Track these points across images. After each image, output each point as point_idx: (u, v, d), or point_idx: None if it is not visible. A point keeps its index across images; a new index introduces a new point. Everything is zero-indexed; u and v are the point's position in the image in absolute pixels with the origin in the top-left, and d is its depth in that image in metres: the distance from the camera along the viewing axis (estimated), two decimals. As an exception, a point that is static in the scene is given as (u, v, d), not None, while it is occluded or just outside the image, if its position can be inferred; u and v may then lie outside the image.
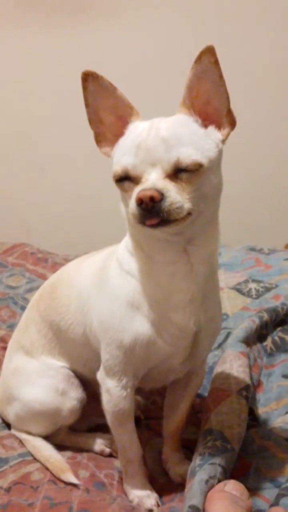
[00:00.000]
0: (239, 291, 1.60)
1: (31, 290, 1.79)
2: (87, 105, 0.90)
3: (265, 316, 1.34)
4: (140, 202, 0.79)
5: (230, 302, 1.56)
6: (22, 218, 2.59)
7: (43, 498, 0.98)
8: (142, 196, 0.78)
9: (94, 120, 0.91)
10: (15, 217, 2.59)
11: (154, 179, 0.80)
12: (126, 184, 0.84)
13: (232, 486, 0.84)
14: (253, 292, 1.56)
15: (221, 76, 0.83)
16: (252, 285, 1.60)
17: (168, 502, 1.03)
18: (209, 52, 0.81)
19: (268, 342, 1.33)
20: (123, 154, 0.85)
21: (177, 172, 0.81)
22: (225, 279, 1.67)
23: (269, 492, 0.91)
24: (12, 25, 2.31)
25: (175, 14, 2.22)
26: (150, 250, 0.91)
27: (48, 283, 1.23)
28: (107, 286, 0.99)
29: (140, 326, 0.94)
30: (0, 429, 1.22)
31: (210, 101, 0.85)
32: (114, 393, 0.99)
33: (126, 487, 1.05)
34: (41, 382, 1.15)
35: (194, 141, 0.83)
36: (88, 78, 0.87)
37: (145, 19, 2.25)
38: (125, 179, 0.84)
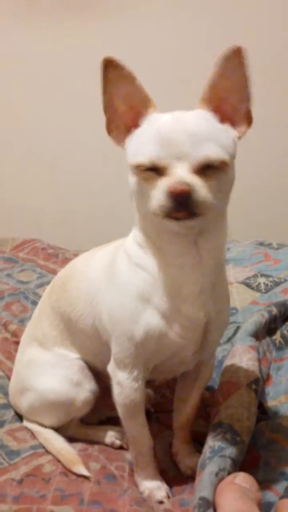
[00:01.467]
0: (248, 285, 1.60)
1: (42, 285, 1.81)
2: (104, 92, 0.89)
3: (274, 310, 1.34)
4: (172, 194, 0.80)
5: (239, 297, 1.57)
6: (32, 213, 2.60)
7: (54, 490, 0.99)
8: (174, 189, 0.79)
9: (108, 108, 0.91)
10: (26, 213, 2.60)
11: (182, 173, 0.81)
12: (150, 174, 0.84)
13: (242, 479, 0.84)
14: (262, 287, 1.57)
15: (248, 78, 0.84)
16: (261, 280, 1.60)
17: (179, 494, 1.05)
18: (238, 52, 0.82)
19: (277, 336, 1.33)
20: (146, 145, 0.84)
21: (203, 168, 0.82)
22: (234, 273, 1.67)
23: (278, 484, 0.92)
24: (19, 21, 2.32)
25: (183, 11, 2.22)
26: (160, 242, 0.92)
27: (59, 276, 1.25)
28: (116, 279, 1.00)
29: (151, 318, 0.95)
30: (12, 422, 1.23)
31: (228, 99, 0.86)
32: (125, 385, 1.00)
33: (137, 479, 1.06)
34: (55, 372, 1.16)
35: (217, 137, 0.84)
36: (109, 65, 0.86)
37: (150, 16, 2.25)
38: (148, 169, 0.84)
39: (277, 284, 1.57)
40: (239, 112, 0.87)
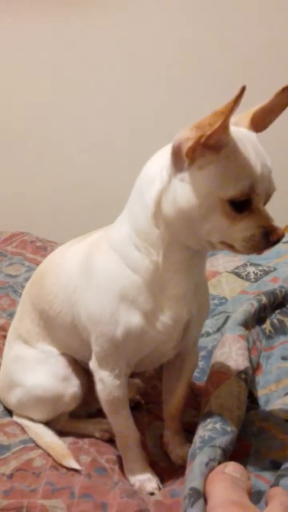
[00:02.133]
0: (237, 275, 1.60)
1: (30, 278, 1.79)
2: (230, 114, 0.75)
3: (264, 299, 1.34)
4: (274, 238, 0.82)
5: (228, 286, 1.56)
6: (21, 206, 2.59)
7: (45, 484, 0.99)
8: (281, 235, 0.82)
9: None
10: (15, 206, 2.58)
11: (267, 212, 0.82)
12: (244, 212, 0.82)
13: (232, 468, 0.84)
14: (252, 276, 1.56)
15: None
16: (251, 269, 1.60)
17: (170, 485, 1.04)
18: None
19: (267, 325, 1.33)
20: (245, 179, 0.79)
21: None
22: (224, 263, 1.67)
23: (269, 473, 0.92)
24: (6, 14, 2.30)
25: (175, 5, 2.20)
26: (172, 255, 0.91)
27: (38, 270, 1.23)
28: (94, 279, 0.99)
29: (133, 319, 0.94)
30: (2, 416, 1.23)
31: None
32: (107, 382, 1.00)
33: (126, 471, 1.06)
34: (42, 368, 1.15)
35: None
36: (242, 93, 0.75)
37: (143, 12, 2.24)
38: (243, 208, 0.81)
39: (266, 273, 1.57)
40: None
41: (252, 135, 0.85)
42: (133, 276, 0.93)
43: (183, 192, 0.83)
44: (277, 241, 0.82)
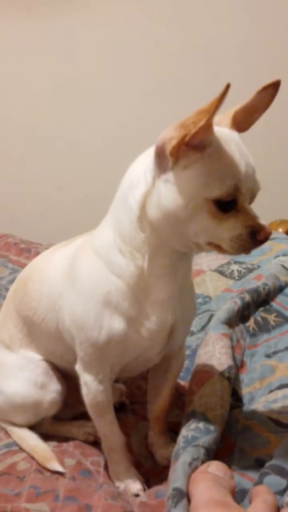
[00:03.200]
0: (221, 273, 1.60)
1: (14, 281, 1.78)
2: (214, 113, 0.75)
3: (247, 297, 1.34)
4: (261, 237, 0.81)
5: (212, 284, 1.56)
6: (5, 208, 2.57)
7: (29, 488, 0.98)
8: (266, 235, 0.82)
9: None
10: (-2, 206, 2.57)
11: (253, 211, 0.82)
12: (230, 212, 0.81)
13: (215, 467, 0.84)
14: (235, 274, 1.56)
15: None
16: (234, 267, 1.60)
17: (155, 486, 1.04)
18: (277, 85, 0.82)
19: (251, 323, 1.33)
20: (228, 179, 0.79)
21: None
22: (207, 261, 1.67)
23: (253, 471, 0.91)
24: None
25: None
26: (154, 257, 0.90)
27: (21, 276, 1.22)
28: (78, 284, 0.98)
29: (116, 324, 0.93)
30: (-15, 421, 1.22)
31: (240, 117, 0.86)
32: (91, 387, 1.00)
33: (111, 473, 1.05)
34: (21, 375, 1.15)
35: None
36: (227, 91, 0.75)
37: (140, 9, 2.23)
38: (229, 207, 0.81)
39: (250, 270, 1.57)
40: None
41: (235, 134, 0.85)
42: (117, 282, 0.92)
43: (168, 194, 0.82)
44: (265, 239, 0.82)
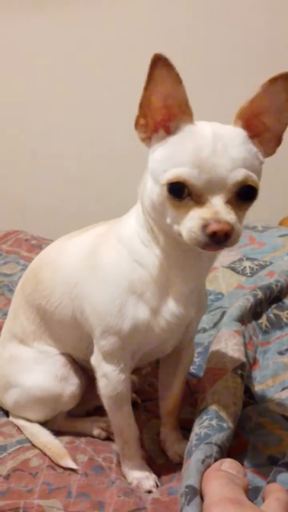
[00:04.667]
0: (233, 269, 1.59)
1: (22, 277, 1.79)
2: (145, 88, 0.82)
3: (260, 294, 1.34)
4: (213, 234, 0.77)
5: (225, 281, 1.56)
6: (16, 203, 2.58)
7: (42, 484, 0.98)
8: (218, 230, 0.76)
9: (144, 105, 0.84)
10: (9, 203, 2.57)
11: (220, 205, 0.78)
12: (183, 200, 0.80)
13: (229, 465, 0.84)
14: (248, 270, 1.56)
15: None
16: (247, 263, 1.59)
17: (167, 483, 1.04)
18: (286, 78, 0.78)
19: (263, 320, 1.32)
20: (183, 164, 0.79)
21: (237, 199, 0.79)
22: (220, 258, 1.66)
23: (266, 469, 0.91)
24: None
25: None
26: (168, 248, 0.90)
27: (31, 267, 1.21)
28: (101, 273, 0.98)
29: (141, 313, 0.94)
30: (-2, 417, 1.22)
31: (262, 117, 0.83)
32: (112, 377, 1.00)
33: (124, 470, 1.05)
34: (40, 369, 1.14)
35: (252, 163, 0.81)
36: (158, 63, 0.79)
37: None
38: (181, 195, 0.80)
39: (262, 267, 1.56)
40: (271, 132, 0.84)
41: (225, 130, 0.82)
42: (140, 271, 0.93)
43: (148, 181, 0.86)
44: (216, 235, 0.77)
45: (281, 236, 1.70)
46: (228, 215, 0.78)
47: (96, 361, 1.02)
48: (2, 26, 2.32)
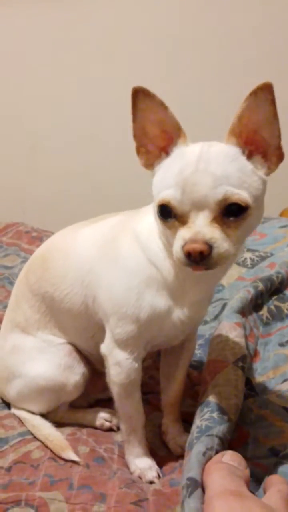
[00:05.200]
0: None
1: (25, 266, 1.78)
2: (134, 121, 0.85)
3: (260, 286, 1.33)
4: (189, 254, 0.77)
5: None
6: (16, 196, 2.58)
7: (43, 476, 0.99)
8: (192, 250, 0.77)
9: (139, 135, 0.86)
10: (10, 196, 2.57)
11: (201, 224, 0.77)
12: (170, 221, 0.81)
13: (230, 457, 0.84)
14: (248, 262, 1.55)
15: (275, 114, 0.79)
16: (248, 255, 1.59)
17: (169, 474, 1.05)
18: (266, 88, 0.76)
19: (264, 312, 1.32)
20: (167, 187, 0.80)
21: (224, 215, 0.78)
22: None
23: (267, 460, 0.92)
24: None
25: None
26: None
27: (36, 255, 1.21)
28: (120, 261, 0.99)
29: (158, 303, 0.95)
30: (0, 409, 1.22)
31: (259, 131, 0.81)
32: (125, 365, 1.01)
33: (128, 458, 1.06)
34: (43, 358, 1.15)
35: (242, 180, 0.79)
36: (139, 95, 0.82)
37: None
38: (169, 216, 0.81)
39: (263, 258, 1.55)
40: (270, 146, 0.82)
41: (214, 149, 0.81)
42: (156, 272, 0.94)
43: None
44: (190, 256, 0.77)
45: (282, 227, 1.69)
46: (209, 234, 0.77)
47: (108, 349, 1.02)
48: (1, 22, 2.31)
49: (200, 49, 2.24)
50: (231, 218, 0.78)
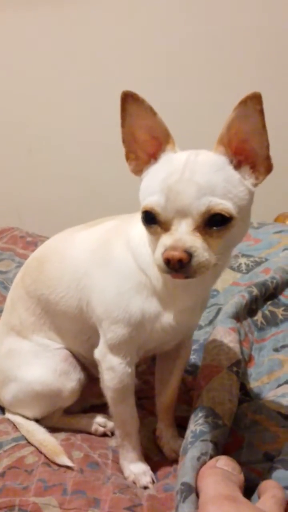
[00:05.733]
0: (229, 266, 1.59)
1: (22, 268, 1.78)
2: (123, 126, 0.85)
3: (255, 291, 1.34)
4: (168, 261, 0.77)
5: (220, 278, 1.55)
6: (12, 201, 2.57)
7: (37, 481, 0.98)
8: (170, 257, 0.76)
9: (128, 140, 0.86)
10: (5, 200, 2.57)
11: (183, 232, 0.77)
12: (154, 227, 0.81)
13: (224, 462, 0.84)
14: (243, 267, 1.55)
15: (263, 125, 0.78)
16: (242, 260, 1.59)
17: (163, 479, 1.04)
18: (255, 98, 0.76)
19: (259, 317, 1.32)
20: (152, 193, 0.80)
21: (207, 225, 0.77)
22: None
23: (262, 465, 0.91)
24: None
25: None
26: None
27: (33, 257, 1.21)
28: (112, 265, 0.99)
29: (147, 309, 0.95)
30: (-6, 414, 1.22)
31: (248, 141, 0.81)
32: (118, 370, 1.01)
33: (122, 463, 1.06)
34: (39, 363, 1.14)
35: (228, 190, 0.78)
36: (128, 99, 0.82)
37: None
38: (153, 221, 0.81)
39: (258, 264, 1.56)
40: (258, 156, 0.81)
41: (201, 158, 0.81)
42: (143, 277, 0.94)
43: None
44: (169, 262, 0.77)
45: (276, 232, 1.70)
46: (190, 242, 0.77)
47: (101, 354, 1.02)
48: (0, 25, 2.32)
49: (199, 56, 2.24)
50: (214, 228, 0.78)
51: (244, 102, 0.77)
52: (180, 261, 0.76)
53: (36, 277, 1.14)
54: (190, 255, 0.76)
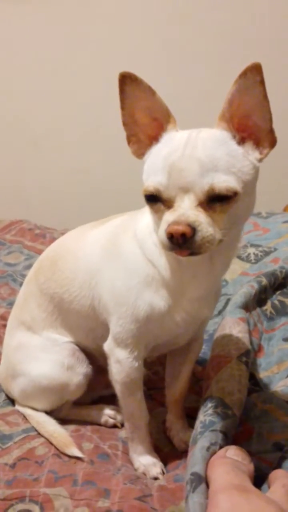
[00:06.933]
0: (238, 256, 1.58)
1: (30, 266, 1.75)
2: (123, 108, 0.84)
3: (264, 281, 1.33)
4: (171, 236, 0.76)
5: (229, 268, 1.55)
6: (20, 193, 2.58)
7: (48, 472, 0.99)
8: (174, 231, 0.75)
9: (129, 122, 0.86)
10: (13, 194, 2.57)
11: (186, 208, 0.76)
12: (157, 205, 0.81)
13: (234, 452, 0.84)
14: (252, 257, 1.55)
15: (265, 96, 0.77)
16: (251, 250, 1.58)
17: (173, 470, 1.04)
18: (255, 69, 0.75)
19: (268, 306, 1.31)
20: (154, 172, 0.80)
21: (210, 201, 0.77)
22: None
23: (272, 455, 0.91)
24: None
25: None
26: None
27: (46, 256, 1.21)
28: (122, 260, 0.99)
29: (156, 304, 0.94)
30: (4, 406, 1.23)
31: (250, 116, 0.80)
32: (125, 364, 1.00)
33: (132, 455, 1.06)
34: (47, 357, 1.15)
35: (231, 164, 0.77)
36: (126, 80, 0.81)
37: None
38: (156, 200, 0.80)
39: (266, 253, 1.55)
40: (261, 130, 0.81)
41: (203, 134, 0.80)
42: (152, 268, 0.94)
43: None
44: (173, 237, 0.76)
45: (285, 222, 1.69)
46: (193, 217, 0.76)
47: (109, 347, 1.03)
48: (1, 17, 2.31)
49: (199, 43, 2.23)
50: (218, 203, 0.77)
51: (244, 74, 0.76)
52: (183, 235, 0.75)
53: (50, 276, 1.14)
54: (193, 229, 0.75)
